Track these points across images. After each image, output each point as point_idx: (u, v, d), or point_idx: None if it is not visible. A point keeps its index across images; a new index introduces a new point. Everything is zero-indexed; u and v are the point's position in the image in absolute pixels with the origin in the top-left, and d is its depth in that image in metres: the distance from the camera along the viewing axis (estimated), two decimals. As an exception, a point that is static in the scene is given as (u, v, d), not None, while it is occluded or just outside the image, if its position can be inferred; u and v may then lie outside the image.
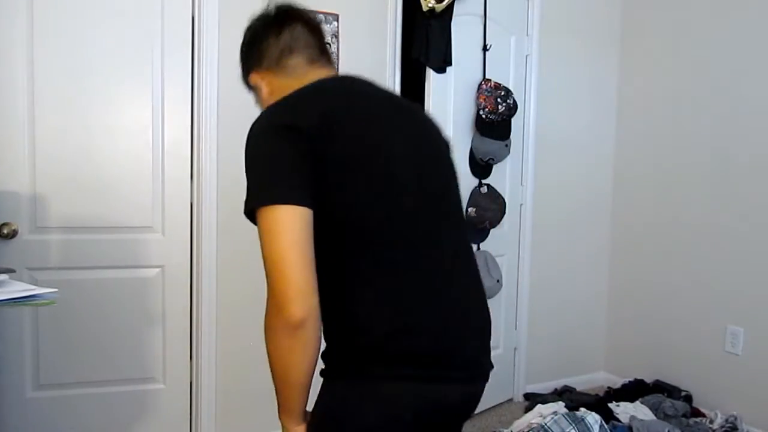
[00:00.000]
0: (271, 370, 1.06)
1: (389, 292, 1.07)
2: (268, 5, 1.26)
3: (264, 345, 1.04)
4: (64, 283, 2.24)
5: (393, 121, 1.14)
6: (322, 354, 1.10)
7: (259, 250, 1.01)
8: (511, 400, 3.30)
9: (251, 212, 1.02)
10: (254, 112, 1.20)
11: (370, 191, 1.07)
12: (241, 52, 1.31)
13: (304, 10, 1.27)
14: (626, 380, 3.28)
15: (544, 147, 3.28)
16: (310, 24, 1.26)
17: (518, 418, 2.75)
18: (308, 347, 1.01)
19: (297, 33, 1.24)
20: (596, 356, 3.58)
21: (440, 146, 1.23)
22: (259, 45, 1.25)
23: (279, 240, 0.98)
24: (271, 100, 1.19)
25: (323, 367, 1.12)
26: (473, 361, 1.16)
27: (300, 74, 1.23)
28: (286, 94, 1.14)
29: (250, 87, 1.30)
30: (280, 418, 1.12)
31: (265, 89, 1.26)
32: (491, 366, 1.20)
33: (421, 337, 1.07)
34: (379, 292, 1.06)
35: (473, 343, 1.16)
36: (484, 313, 1.20)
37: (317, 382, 1.09)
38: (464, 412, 1.20)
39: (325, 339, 1.11)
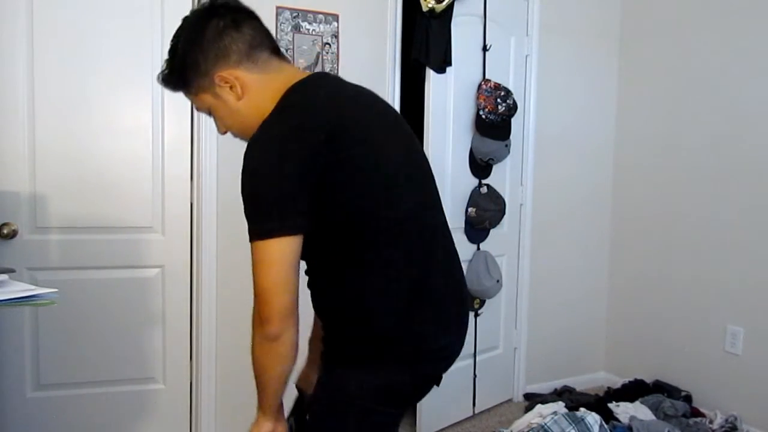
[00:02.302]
0: (253, 370, 1.22)
1: (392, 284, 1.17)
2: (200, 2, 1.18)
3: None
4: (64, 283, 2.24)
5: (388, 130, 1.23)
6: (326, 340, 1.25)
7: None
8: (511, 400, 3.30)
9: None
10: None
11: (373, 190, 1.14)
12: (182, 55, 1.15)
13: (243, 4, 1.21)
14: (626, 380, 3.27)
15: (544, 147, 3.28)
16: (259, 19, 1.21)
17: (518, 418, 2.75)
18: (282, 357, 1.17)
19: (255, 26, 1.19)
20: (596, 356, 3.58)
21: (418, 148, 1.33)
22: (219, 41, 1.14)
23: (269, 272, 1.11)
24: (243, 102, 1.17)
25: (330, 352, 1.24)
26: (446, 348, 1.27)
27: (274, 68, 1.20)
28: (261, 91, 1.15)
29: (200, 92, 1.18)
30: (257, 410, 1.28)
31: (234, 90, 1.16)
32: (462, 344, 1.31)
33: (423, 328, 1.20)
34: (384, 285, 1.17)
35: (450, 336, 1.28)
36: (464, 293, 1.32)
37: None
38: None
39: (330, 327, 1.23)
